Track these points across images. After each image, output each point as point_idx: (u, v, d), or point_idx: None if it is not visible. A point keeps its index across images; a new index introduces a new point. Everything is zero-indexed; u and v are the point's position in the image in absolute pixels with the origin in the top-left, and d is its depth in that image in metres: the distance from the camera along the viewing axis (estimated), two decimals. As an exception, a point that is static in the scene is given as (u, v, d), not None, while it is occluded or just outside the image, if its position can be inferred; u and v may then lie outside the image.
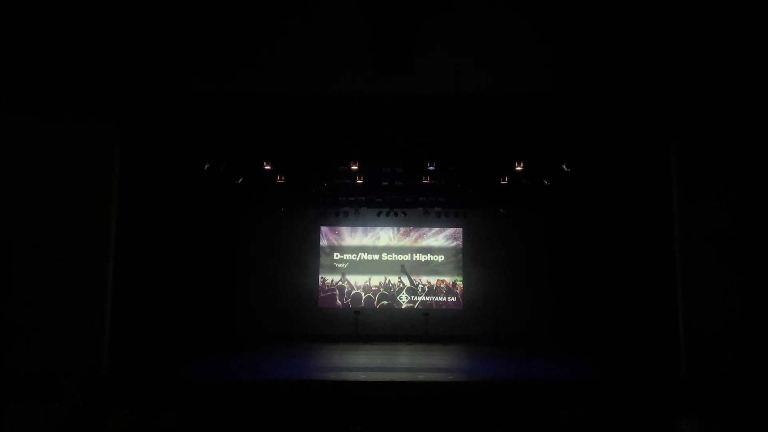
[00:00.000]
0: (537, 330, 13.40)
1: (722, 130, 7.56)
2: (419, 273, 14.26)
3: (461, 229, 14.25)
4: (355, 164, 10.19)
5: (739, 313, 7.32)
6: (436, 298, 14.12)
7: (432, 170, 10.46)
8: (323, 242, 14.34)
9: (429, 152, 9.96)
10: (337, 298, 14.17)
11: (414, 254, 14.34)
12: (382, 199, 12.90)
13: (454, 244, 14.32)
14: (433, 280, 14.21)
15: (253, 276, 13.89)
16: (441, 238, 14.37)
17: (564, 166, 10.04)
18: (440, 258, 14.30)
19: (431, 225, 14.21)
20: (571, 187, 11.30)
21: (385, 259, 14.30)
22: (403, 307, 14.05)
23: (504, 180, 11.08)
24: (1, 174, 7.57)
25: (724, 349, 7.25)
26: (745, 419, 4.81)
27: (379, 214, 13.41)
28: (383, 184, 11.59)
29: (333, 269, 14.28)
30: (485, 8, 7.41)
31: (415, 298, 14.08)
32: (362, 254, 14.35)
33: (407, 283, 14.18)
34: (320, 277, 14.20)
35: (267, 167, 10.15)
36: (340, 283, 14.23)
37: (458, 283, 14.14)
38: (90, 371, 7.20)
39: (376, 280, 14.21)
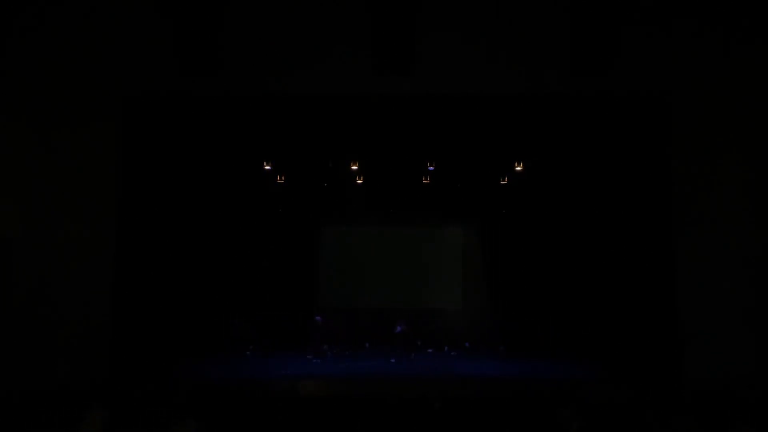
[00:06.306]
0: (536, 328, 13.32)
1: (722, 130, 7.57)
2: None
3: (462, 230, 14.09)
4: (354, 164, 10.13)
5: (739, 312, 7.34)
6: None
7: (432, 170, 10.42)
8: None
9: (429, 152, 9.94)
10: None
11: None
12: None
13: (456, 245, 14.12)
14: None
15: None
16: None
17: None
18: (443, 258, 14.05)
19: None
20: (570, 186, 11.28)
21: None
22: None
23: (504, 180, 11.08)
24: (1, 174, 7.58)
25: (723, 349, 7.26)
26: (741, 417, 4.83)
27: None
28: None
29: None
30: (485, 9, 7.42)
31: None
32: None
33: None
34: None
35: (267, 167, 10.12)
36: None
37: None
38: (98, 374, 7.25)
39: None
